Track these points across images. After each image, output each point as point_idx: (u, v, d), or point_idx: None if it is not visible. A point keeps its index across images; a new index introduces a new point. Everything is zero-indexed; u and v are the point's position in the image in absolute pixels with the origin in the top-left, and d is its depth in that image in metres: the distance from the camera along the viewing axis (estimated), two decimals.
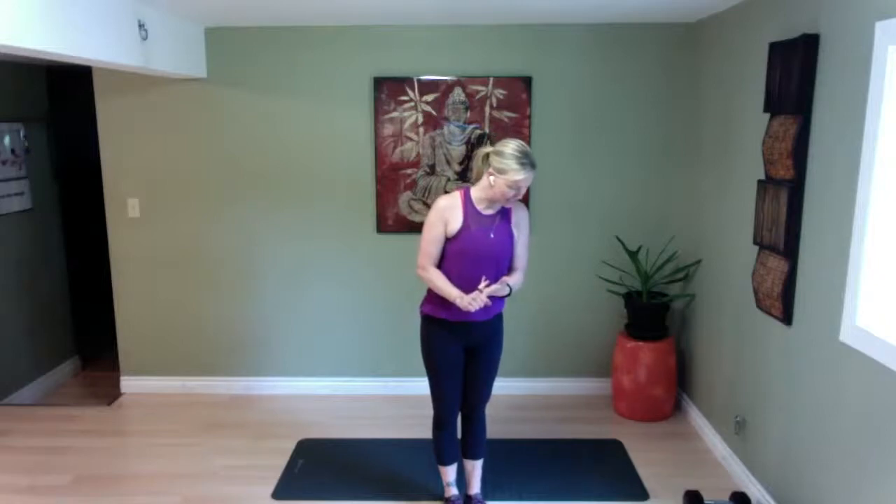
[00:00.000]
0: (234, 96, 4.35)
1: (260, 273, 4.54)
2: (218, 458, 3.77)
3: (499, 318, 3.08)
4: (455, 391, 3.08)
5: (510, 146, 2.82)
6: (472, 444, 3.21)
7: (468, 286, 2.85)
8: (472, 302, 2.81)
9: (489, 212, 2.92)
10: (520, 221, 2.99)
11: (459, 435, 3.23)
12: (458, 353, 3.03)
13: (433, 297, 3.01)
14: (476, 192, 2.92)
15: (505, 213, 2.96)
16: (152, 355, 4.66)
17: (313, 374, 4.65)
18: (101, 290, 5.02)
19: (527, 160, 2.80)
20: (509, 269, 3.00)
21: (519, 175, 2.78)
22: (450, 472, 3.24)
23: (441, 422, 3.13)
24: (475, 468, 3.24)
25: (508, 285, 2.92)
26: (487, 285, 2.84)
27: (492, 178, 2.82)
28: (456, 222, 2.88)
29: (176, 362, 4.67)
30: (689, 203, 4.28)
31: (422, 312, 3.08)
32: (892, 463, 2.27)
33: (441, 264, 2.95)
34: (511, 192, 2.81)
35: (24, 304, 4.88)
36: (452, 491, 3.25)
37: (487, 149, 2.90)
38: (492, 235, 2.90)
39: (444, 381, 3.05)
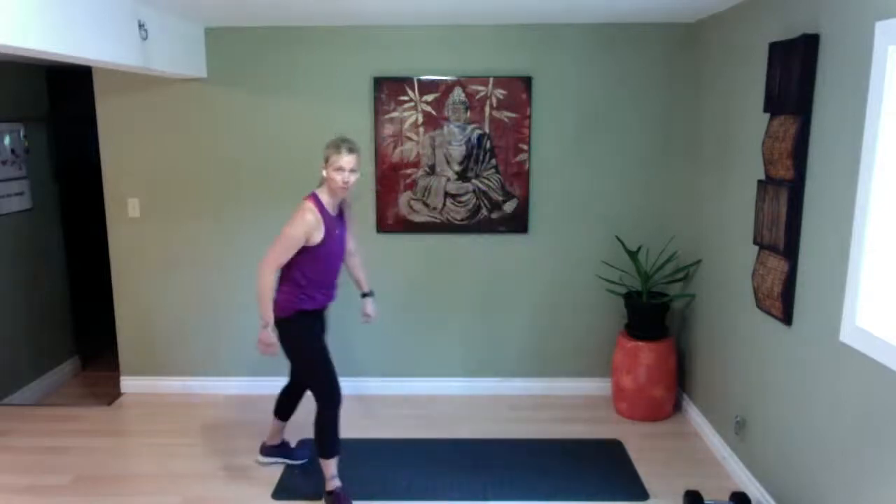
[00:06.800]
0: (234, 96, 4.35)
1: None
2: (218, 458, 3.77)
3: None
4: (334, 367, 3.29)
5: (332, 138, 3.10)
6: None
7: (328, 281, 3.20)
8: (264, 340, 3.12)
9: (335, 213, 3.14)
10: (350, 217, 3.37)
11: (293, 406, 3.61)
12: (322, 334, 3.34)
13: (293, 297, 3.14)
14: (323, 195, 3.11)
15: (342, 212, 3.25)
16: (152, 355, 4.66)
17: None
18: (101, 290, 5.02)
19: (344, 144, 3.04)
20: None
21: (339, 158, 2.98)
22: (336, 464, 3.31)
23: (339, 398, 3.23)
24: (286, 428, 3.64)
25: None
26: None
27: (324, 171, 3.06)
28: (320, 233, 3.07)
29: (176, 362, 4.67)
30: (689, 203, 4.28)
31: (284, 315, 3.15)
32: (892, 463, 2.27)
33: (299, 265, 3.11)
34: (340, 178, 2.99)
35: (24, 304, 4.88)
36: (338, 482, 3.29)
37: None
38: (337, 232, 3.17)
39: (329, 362, 3.22)
